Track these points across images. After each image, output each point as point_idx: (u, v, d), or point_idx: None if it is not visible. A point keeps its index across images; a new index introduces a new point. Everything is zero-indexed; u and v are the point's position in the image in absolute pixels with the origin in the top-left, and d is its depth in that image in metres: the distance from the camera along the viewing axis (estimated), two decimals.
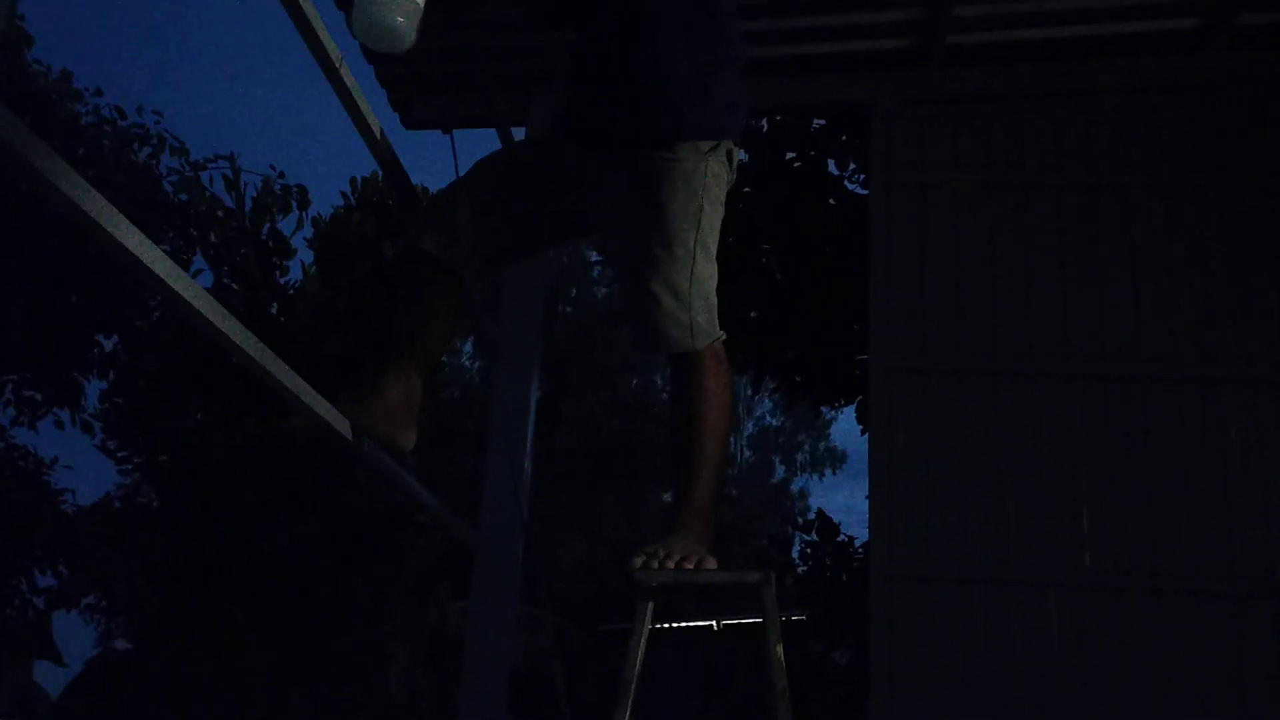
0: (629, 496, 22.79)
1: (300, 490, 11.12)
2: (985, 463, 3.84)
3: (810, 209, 7.27)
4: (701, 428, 2.29)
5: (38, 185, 1.33)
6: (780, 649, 2.11)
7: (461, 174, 2.51)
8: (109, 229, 1.45)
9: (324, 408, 2.22)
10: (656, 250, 2.27)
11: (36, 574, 11.63)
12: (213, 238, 11.45)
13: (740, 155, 2.59)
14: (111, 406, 12.15)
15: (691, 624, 15.35)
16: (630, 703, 2.09)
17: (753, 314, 7.55)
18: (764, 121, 7.13)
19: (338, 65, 2.45)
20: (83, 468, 13.14)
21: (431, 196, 2.51)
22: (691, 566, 2.13)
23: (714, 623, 15.53)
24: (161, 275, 1.60)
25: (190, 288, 1.73)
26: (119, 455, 12.26)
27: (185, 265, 11.15)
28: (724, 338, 2.35)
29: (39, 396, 11.53)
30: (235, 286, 11.64)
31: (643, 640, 2.15)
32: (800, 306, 7.31)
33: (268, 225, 11.73)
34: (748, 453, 31.17)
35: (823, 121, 7.26)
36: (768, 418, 30.72)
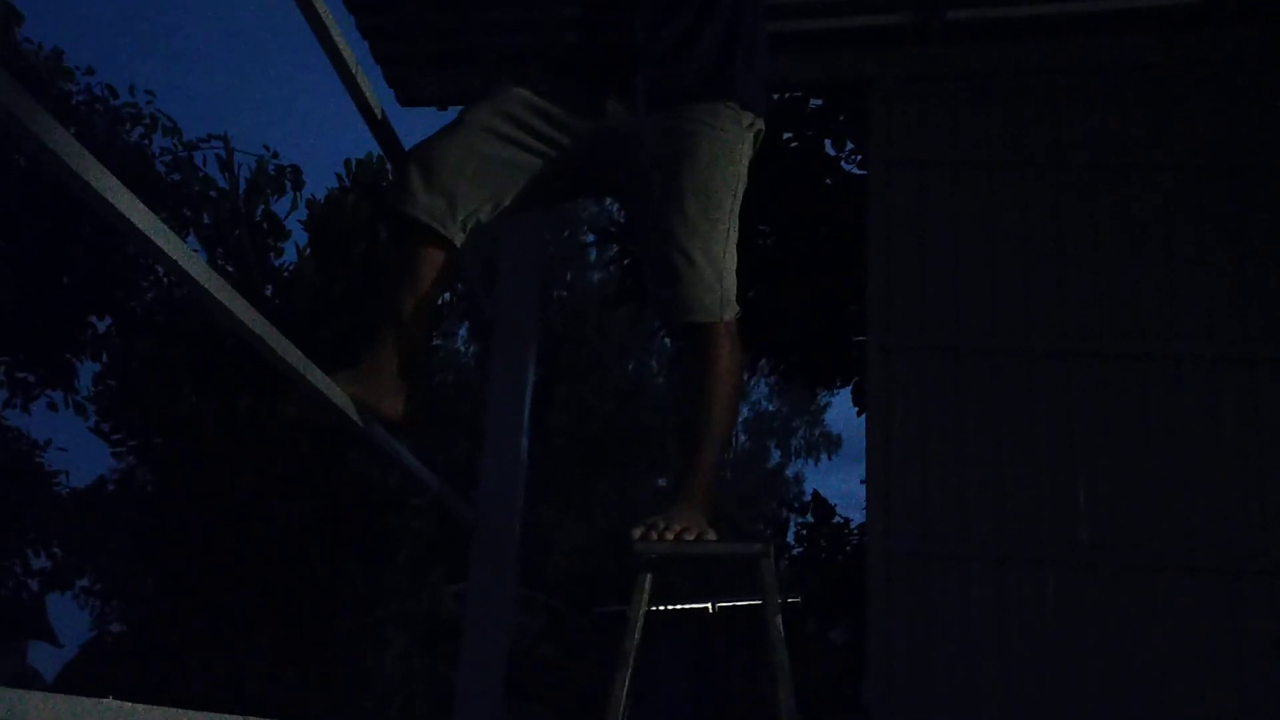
0: (623, 480, 22.81)
1: (294, 473, 11.10)
2: (982, 441, 3.83)
3: (807, 189, 7.25)
4: (712, 401, 2.28)
5: (43, 158, 1.30)
6: (779, 621, 2.10)
7: (451, 121, 2.37)
8: (111, 200, 1.42)
9: (326, 385, 2.20)
10: (697, 214, 2.25)
11: (30, 556, 11.62)
12: (206, 219, 11.39)
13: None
14: (105, 389, 12.11)
15: (686, 606, 15.38)
16: (629, 672, 2.08)
17: (749, 294, 7.54)
18: None
19: (344, 54, 2.39)
20: (76, 450, 13.11)
21: (418, 149, 2.34)
22: (692, 538, 2.13)
23: (709, 605, 15.57)
24: (166, 249, 1.57)
25: (193, 260, 1.70)
26: (113, 438, 12.24)
27: None
28: (740, 314, 2.34)
29: (32, 378, 11.49)
30: (229, 268, 11.58)
31: (642, 611, 2.15)
32: (796, 288, 7.29)
33: (262, 206, 11.67)
34: (743, 437, 31.17)
35: (820, 101, 7.23)
36: (763, 402, 30.74)
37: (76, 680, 12.95)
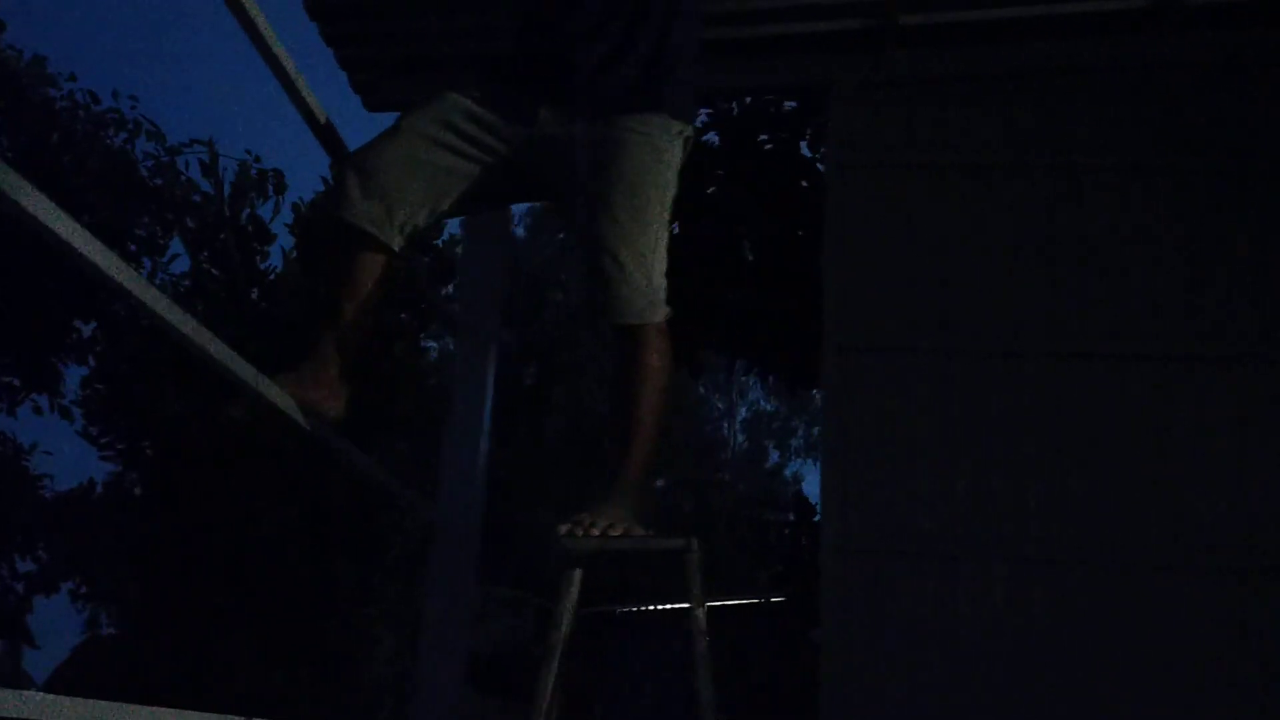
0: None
1: (283, 472, 11.13)
2: (936, 439, 3.89)
3: (783, 191, 7.31)
4: (641, 401, 2.35)
5: None
6: (701, 614, 2.17)
7: (389, 127, 2.45)
8: (29, 207, 1.46)
9: (269, 388, 2.26)
10: (626, 219, 2.32)
11: (17, 559, 11.68)
12: (189, 223, 11.43)
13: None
14: (93, 393, 12.15)
15: (675, 606, 15.42)
16: (555, 668, 2.13)
17: (727, 295, 7.61)
18: (734, 104, 7.17)
19: (285, 64, 2.45)
20: (67, 454, 13.14)
21: (356, 155, 2.43)
22: (618, 534, 2.19)
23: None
24: (93, 258, 1.62)
25: (124, 271, 1.76)
26: (101, 442, 12.27)
27: (162, 250, 11.18)
28: (670, 315, 2.41)
29: (17, 382, 11.54)
30: (215, 272, 11.61)
31: (571, 606, 2.20)
32: (774, 288, 7.36)
33: (247, 210, 11.71)
34: (741, 438, 31.18)
35: (795, 103, 7.29)
36: (761, 403, 30.75)
37: (68, 682, 12.99)
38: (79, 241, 1.60)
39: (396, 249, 2.44)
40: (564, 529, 2.17)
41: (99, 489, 12.61)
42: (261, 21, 2.33)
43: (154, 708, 1.66)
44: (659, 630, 14.41)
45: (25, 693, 1.34)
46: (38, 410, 11.66)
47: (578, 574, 2.20)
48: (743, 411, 31.24)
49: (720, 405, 30.35)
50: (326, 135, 2.78)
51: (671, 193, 2.44)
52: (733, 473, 29.09)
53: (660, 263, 2.39)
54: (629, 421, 2.33)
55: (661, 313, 2.37)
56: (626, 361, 2.36)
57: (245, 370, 2.15)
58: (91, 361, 12.17)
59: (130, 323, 11.51)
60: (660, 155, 2.39)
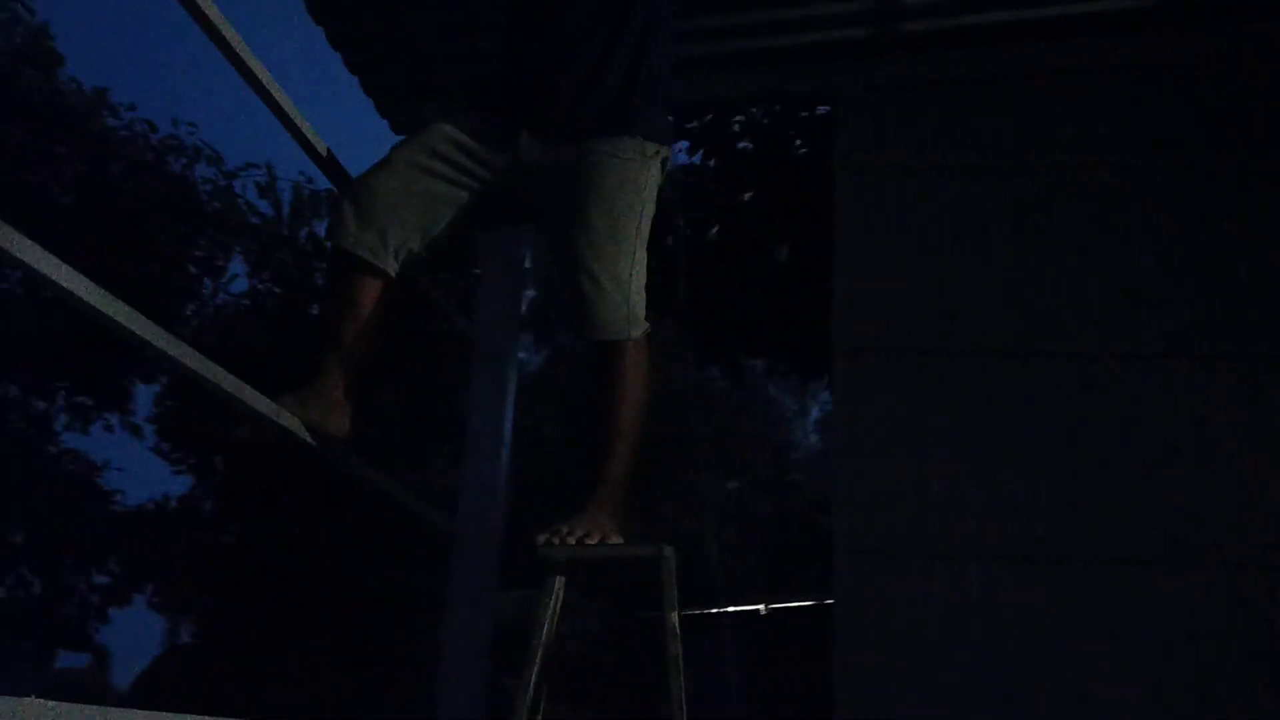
0: (681, 485, 22.86)
1: (347, 486, 11.39)
2: (944, 440, 3.92)
3: (817, 195, 7.33)
4: (620, 414, 2.45)
5: None
6: (675, 617, 2.26)
7: (382, 158, 2.57)
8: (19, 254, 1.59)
9: (274, 410, 2.39)
10: (602, 240, 2.42)
11: (93, 571, 12.14)
12: (248, 244, 11.80)
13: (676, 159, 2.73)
14: (165, 410, 12.56)
15: (738, 609, 15.40)
16: (536, 671, 2.23)
17: (763, 301, 7.64)
18: (765, 116, 7.21)
19: (282, 102, 2.58)
20: (138, 471, 13.57)
21: (353, 184, 2.57)
22: (594, 542, 2.29)
23: (762, 606, 15.58)
24: (86, 297, 1.75)
25: (117, 306, 1.89)
26: (174, 457, 12.68)
27: (220, 271, 11.55)
28: (649, 330, 2.50)
29: (89, 402, 11.98)
30: (276, 290, 11.95)
31: (552, 611, 2.31)
32: (810, 293, 7.38)
33: (306, 230, 12.04)
34: (813, 438, 30.96)
35: (826, 108, 7.31)
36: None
37: (147, 691, 13.43)
38: (67, 280, 1.73)
39: (392, 274, 2.57)
40: (541, 538, 2.27)
41: (174, 503, 13.01)
42: (253, 63, 2.46)
43: (147, 711, 1.78)
44: (721, 632, 14.41)
45: (11, 699, 1.43)
46: (109, 428, 12.11)
47: (559, 581, 2.31)
48: (815, 412, 31.02)
49: (793, 406, 30.21)
50: (329, 165, 2.91)
51: (649, 212, 2.53)
52: (806, 473, 28.91)
53: (638, 280, 2.48)
54: (608, 434, 2.43)
55: (639, 329, 2.46)
56: (604, 377, 2.46)
57: (248, 393, 2.29)
58: (163, 379, 12.57)
59: (194, 341, 11.90)
60: (635, 177, 2.48)
